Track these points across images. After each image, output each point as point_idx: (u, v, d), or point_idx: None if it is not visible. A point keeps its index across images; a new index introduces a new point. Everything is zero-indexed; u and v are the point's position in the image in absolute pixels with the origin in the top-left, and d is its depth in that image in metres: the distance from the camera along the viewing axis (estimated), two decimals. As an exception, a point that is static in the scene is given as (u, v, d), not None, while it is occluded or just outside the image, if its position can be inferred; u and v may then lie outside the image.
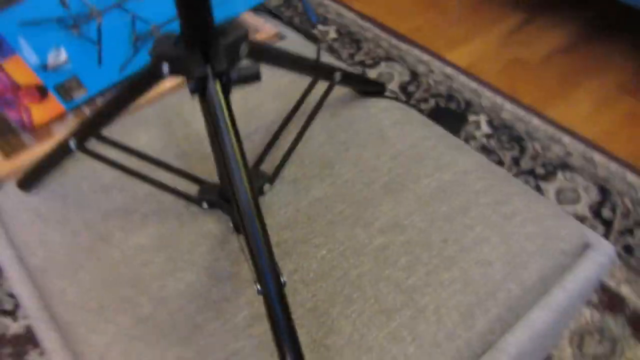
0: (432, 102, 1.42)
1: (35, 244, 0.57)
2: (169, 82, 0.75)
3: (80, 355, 0.50)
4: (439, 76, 1.50)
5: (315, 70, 0.56)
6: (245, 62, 0.45)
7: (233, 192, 0.43)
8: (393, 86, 1.47)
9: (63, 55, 0.73)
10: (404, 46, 1.60)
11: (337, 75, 0.57)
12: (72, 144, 0.53)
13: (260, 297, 0.47)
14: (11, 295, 1.10)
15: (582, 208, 1.17)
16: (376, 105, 0.66)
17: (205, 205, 0.56)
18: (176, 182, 0.59)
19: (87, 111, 0.80)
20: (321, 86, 0.61)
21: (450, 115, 1.36)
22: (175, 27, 0.80)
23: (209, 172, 0.60)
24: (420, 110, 1.37)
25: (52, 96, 0.76)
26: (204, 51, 0.41)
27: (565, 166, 1.26)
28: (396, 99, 0.68)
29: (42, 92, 0.75)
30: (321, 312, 0.49)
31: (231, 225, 0.55)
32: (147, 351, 0.48)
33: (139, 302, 0.51)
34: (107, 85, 0.80)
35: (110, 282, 0.53)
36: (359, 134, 0.63)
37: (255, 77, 0.42)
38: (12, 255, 0.60)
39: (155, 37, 0.43)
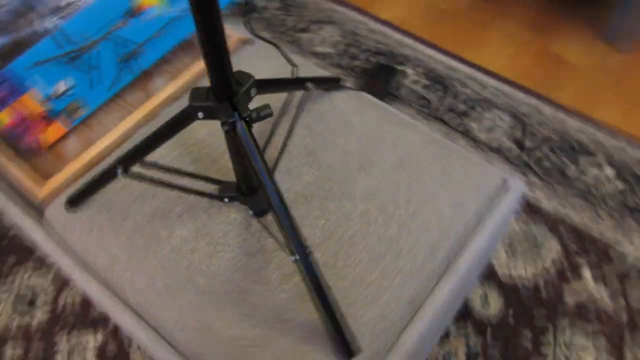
0: (370, 59, 1.60)
1: (97, 249, 0.73)
2: (161, 96, 0.89)
3: (160, 328, 0.68)
4: (371, 33, 1.67)
5: (294, 84, 0.73)
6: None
7: (264, 192, 0.60)
8: (334, 49, 1.63)
9: (64, 85, 0.86)
10: (340, 8, 1.75)
11: (310, 85, 0.75)
12: (119, 171, 0.68)
13: (287, 262, 0.66)
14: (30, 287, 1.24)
15: (500, 135, 1.41)
16: (338, 97, 0.84)
17: (226, 200, 0.73)
18: (197, 184, 0.75)
19: (88, 129, 0.93)
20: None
21: (382, 69, 1.55)
22: (156, 42, 0.93)
23: (222, 172, 0.77)
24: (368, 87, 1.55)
25: (56, 121, 0.89)
26: (231, 101, 0.57)
27: (482, 100, 1.49)
28: (349, 87, 0.86)
29: (47, 120, 0.88)
30: (330, 265, 0.69)
31: (251, 212, 0.73)
32: (212, 314, 0.66)
33: (195, 280, 0.69)
34: (102, 102, 0.94)
35: (169, 268, 0.70)
36: (329, 124, 0.81)
37: (269, 115, 0.58)
38: (72, 261, 0.75)
39: (190, 90, 0.58)
